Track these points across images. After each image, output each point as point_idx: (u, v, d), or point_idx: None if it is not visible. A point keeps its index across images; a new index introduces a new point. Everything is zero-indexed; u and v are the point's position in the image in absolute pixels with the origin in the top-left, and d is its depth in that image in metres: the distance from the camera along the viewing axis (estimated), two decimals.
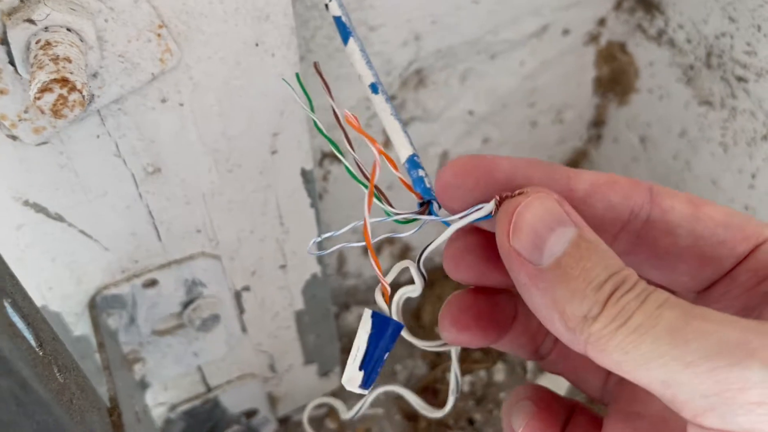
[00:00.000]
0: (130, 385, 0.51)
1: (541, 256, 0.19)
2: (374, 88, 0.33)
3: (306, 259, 0.59)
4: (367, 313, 0.24)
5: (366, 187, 0.27)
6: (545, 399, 0.25)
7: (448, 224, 0.25)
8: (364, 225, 0.25)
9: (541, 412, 0.25)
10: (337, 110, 0.34)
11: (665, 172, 0.78)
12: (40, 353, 0.31)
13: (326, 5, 0.35)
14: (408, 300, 0.93)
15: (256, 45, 0.42)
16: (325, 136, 0.35)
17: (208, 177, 0.47)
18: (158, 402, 0.63)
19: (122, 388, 0.46)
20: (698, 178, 0.74)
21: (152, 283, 0.51)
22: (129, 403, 0.47)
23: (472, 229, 0.24)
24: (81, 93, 0.31)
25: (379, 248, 0.83)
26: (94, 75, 0.37)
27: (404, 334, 0.27)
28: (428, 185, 0.27)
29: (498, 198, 0.22)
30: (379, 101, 0.34)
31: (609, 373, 0.25)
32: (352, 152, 0.32)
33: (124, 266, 0.49)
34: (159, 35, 0.38)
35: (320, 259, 0.60)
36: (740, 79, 0.63)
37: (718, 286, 0.21)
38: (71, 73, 0.31)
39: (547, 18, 0.69)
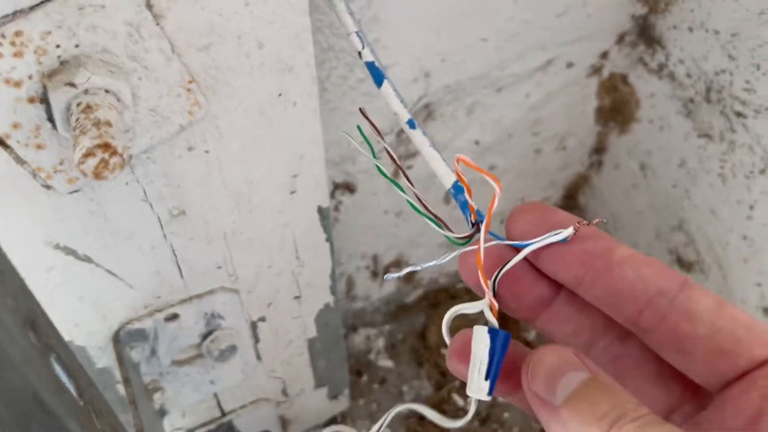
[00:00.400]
0: (151, 415, 0.53)
1: (555, 396, 0.22)
2: (411, 124, 0.37)
3: (319, 290, 0.61)
4: (483, 330, 0.26)
5: (429, 219, 0.32)
6: None
7: (519, 246, 0.28)
8: (478, 251, 0.27)
9: None
10: (391, 151, 0.37)
11: (665, 199, 0.80)
12: (81, 403, 0.33)
13: (359, 53, 0.37)
14: (415, 322, 0.93)
15: (279, 95, 0.44)
16: (390, 180, 0.38)
17: (229, 218, 0.49)
18: (175, 428, 0.65)
19: (146, 420, 0.48)
20: (697, 207, 0.76)
21: (173, 317, 0.53)
22: None
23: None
24: (122, 156, 0.33)
25: (386, 271, 0.85)
26: (127, 130, 0.39)
27: (425, 411, 0.32)
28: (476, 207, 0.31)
29: (577, 224, 0.26)
30: (417, 135, 0.37)
31: None
32: (413, 188, 0.35)
33: (147, 302, 0.51)
34: (189, 90, 0.40)
35: (333, 289, 0.62)
36: (739, 114, 0.66)
37: (737, 387, 0.22)
38: (113, 138, 0.33)
39: (553, 52, 0.71)
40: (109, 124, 0.34)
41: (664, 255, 0.85)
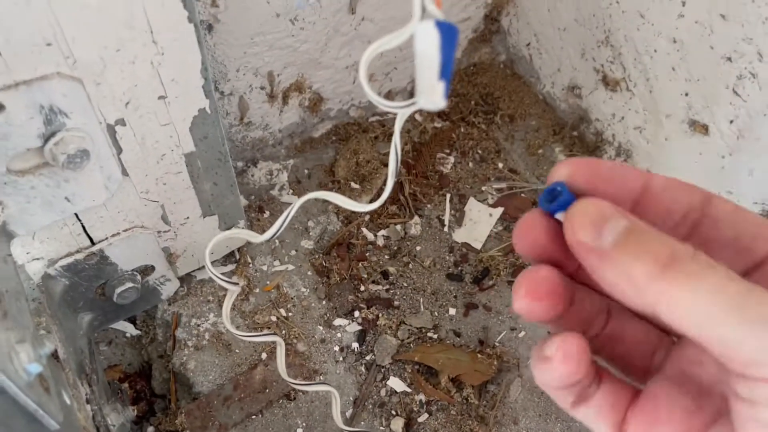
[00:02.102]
0: None
1: (602, 240, 0.23)
2: None
3: (189, 89, 0.52)
4: (429, 23, 0.23)
5: None
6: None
7: None
8: None
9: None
10: None
11: (591, 10, 0.73)
12: None
13: None
14: (322, 156, 0.86)
15: None
16: None
17: None
18: (33, 257, 0.56)
19: None
20: (626, 13, 0.69)
21: None
22: None
23: (546, 215, 0.27)
24: None
25: (285, 96, 0.76)
26: None
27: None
28: None
29: None
30: None
31: (657, 347, 0.28)
32: None
33: None
34: None
35: (207, 91, 0.52)
36: None
37: (753, 276, 0.25)
38: None
39: None
40: None
41: (590, 74, 0.79)
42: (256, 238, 0.43)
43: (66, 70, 0.44)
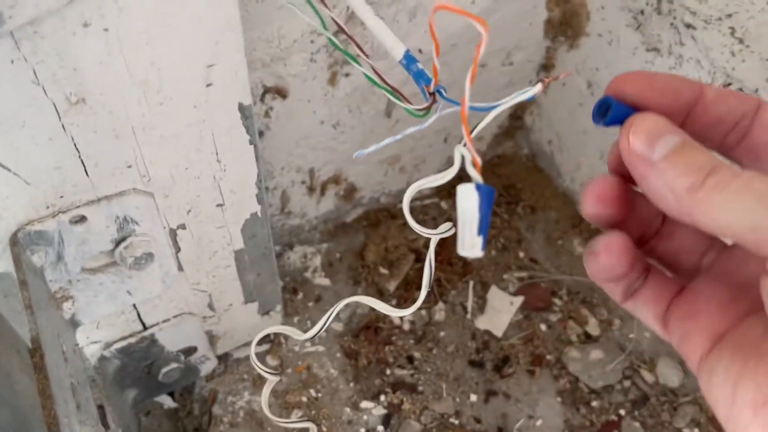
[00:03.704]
0: (58, 323, 0.50)
1: (653, 152, 0.25)
2: None
3: (244, 198, 0.57)
4: (469, 187, 0.27)
5: (388, 91, 0.34)
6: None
7: (485, 109, 0.30)
8: (462, 108, 0.28)
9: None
10: (338, 20, 0.35)
11: None
12: None
13: None
14: (354, 240, 0.91)
15: None
16: (341, 50, 0.37)
17: (138, 110, 0.45)
18: (92, 340, 0.62)
19: (47, 328, 0.44)
20: None
21: (81, 220, 0.49)
22: (55, 342, 0.45)
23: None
24: None
25: (323, 188, 0.82)
26: None
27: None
28: (430, 75, 0.31)
29: (544, 80, 0.29)
30: (359, 3, 0.34)
31: (707, 250, 0.30)
32: (368, 60, 0.34)
33: (49, 202, 0.47)
34: None
35: (260, 198, 0.58)
36: (689, 26, 0.63)
37: None
38: None
39: None
40: None
41: None
42: (299, 335, 0.48)
43: (141, 186, 0.50)
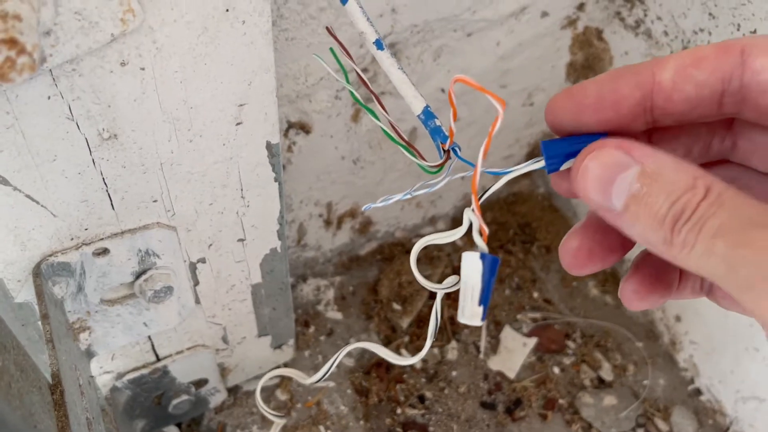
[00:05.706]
0: (75, 355, 0.49)
1: (611, 202, 0.23)
2: (379, 44, 0.35)
3: (265, 234, 0.57)
4: (474, 255, 0.27)
5: (403, 147, 0.34)
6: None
7: (496, 173, 0.30)
8: (474, 176, 0.28)
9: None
10: (362, 74, 0.35)
11: None
12: None
13: None
14: (367, 273, 0.90)
15: (227, 11, 0.40)
16: (363, 106, 0.37)
17: (167, 146, 0.45)
18: (105, 370, 0.61)
19: (66, 361, 0.44)
20: None
21: (103, 252, 0.49)
22: (72, 375, 0.45)
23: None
24: (31, 56, 0.29)
25: (340, 221, 0.82)
26: (47, 33, 0.35)
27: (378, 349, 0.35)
28: (447, 133, 0.31)
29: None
30: (384, 57, 0.35)
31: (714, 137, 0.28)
32: (387, 115, 0.35)
33: (73, 234, 0.47)
34: None
35: (281, 234, 0.58)
36: None
37: None
38: (21, 33, 0.28)
39: None
40: (18, 18, 0.29)
41: None
42: (305, 379, 0.48)
43: (165, 220, 0.50)
